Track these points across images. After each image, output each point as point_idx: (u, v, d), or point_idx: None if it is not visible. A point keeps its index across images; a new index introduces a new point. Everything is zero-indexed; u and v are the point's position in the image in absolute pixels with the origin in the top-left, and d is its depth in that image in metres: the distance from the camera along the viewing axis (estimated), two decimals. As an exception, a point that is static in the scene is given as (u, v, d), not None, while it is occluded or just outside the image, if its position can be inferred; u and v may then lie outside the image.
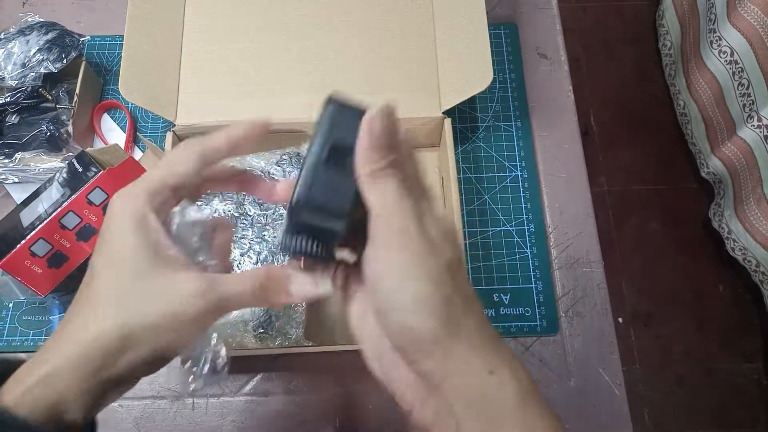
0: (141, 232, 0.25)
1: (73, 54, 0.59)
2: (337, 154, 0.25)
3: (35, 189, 0.51)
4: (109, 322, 0.24)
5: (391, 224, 0.24)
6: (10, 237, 0.48)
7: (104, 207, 0.49)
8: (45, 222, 0.47)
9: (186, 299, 0.25)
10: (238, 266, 0.51)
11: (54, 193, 0.49)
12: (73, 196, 0.48)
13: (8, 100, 0.58)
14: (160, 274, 0.25)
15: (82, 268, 0.49)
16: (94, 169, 0.50)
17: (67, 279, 0.49)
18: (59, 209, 0.48)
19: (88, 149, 0.53)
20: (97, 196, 0.49)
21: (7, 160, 0.57)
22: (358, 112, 0.25)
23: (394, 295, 0.24)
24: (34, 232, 0.47)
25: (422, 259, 0.24)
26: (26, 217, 0.49)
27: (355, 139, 0.25)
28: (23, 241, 0.47)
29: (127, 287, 0.25)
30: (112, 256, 0.26)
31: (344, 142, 0.25)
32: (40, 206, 0.49)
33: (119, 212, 0.26)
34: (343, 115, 0.25)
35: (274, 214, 0.53)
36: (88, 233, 0.49)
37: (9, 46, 0.58)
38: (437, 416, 0.25)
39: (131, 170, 0.51)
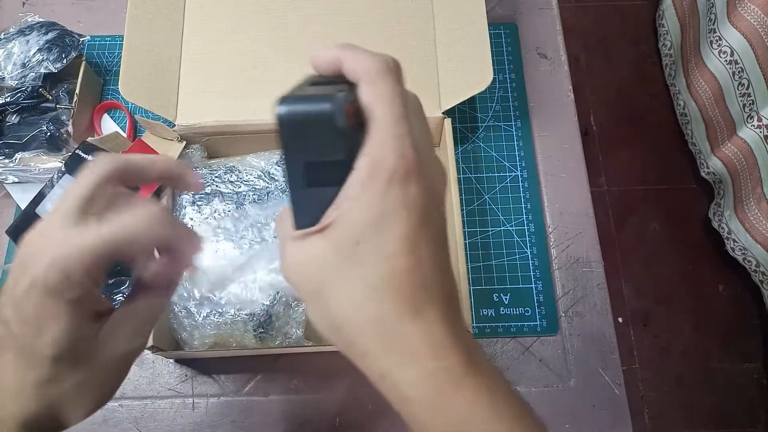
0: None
1: (73, 54, 0.59)
2: (317, 172, 0.22)
3: (37, 188, 0.51)
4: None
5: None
6: None
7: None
8: None
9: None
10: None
11: (65, 185, 0.50)
12: None
13: (8, 100, 0.58)
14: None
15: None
16: (100, 155, 0.50)
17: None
18: None
19: (89, 138, 0.53)
20: None
21: (7, 160, 0.57)
22: (322, 117, 0.20)
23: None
24: None
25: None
26: (44, 212, 0.49)
27: (332, 152, 0.21)
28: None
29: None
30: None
31: (319, 157, 0.21)
32: (55, 200, 0.49)
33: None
34: (304, 125, 0.21)
35: (274, 213, 0.53)
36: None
37: (9, 46, 0.58)
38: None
39: (142, 152, 0.52)
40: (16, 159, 0.57)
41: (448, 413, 0.22)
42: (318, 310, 0.23)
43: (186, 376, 0.54)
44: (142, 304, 0.30)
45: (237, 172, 0.54)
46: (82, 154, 0.51)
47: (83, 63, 0.60)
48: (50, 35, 0.58)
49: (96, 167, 0.27)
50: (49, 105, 0.60)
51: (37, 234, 0.26)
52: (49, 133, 0.57)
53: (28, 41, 0.58)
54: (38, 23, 0.60)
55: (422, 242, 0.22)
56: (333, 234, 0.22)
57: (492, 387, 0.23)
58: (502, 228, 0.59)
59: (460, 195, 0.59)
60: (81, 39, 0.60)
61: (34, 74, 0.57)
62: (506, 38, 0.67)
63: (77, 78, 0.60)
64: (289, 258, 0.23)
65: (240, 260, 0.51)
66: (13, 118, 0.59)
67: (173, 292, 0.32)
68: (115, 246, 0.25)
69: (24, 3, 0.69)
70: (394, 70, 0.24)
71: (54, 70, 0.58)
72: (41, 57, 0.57)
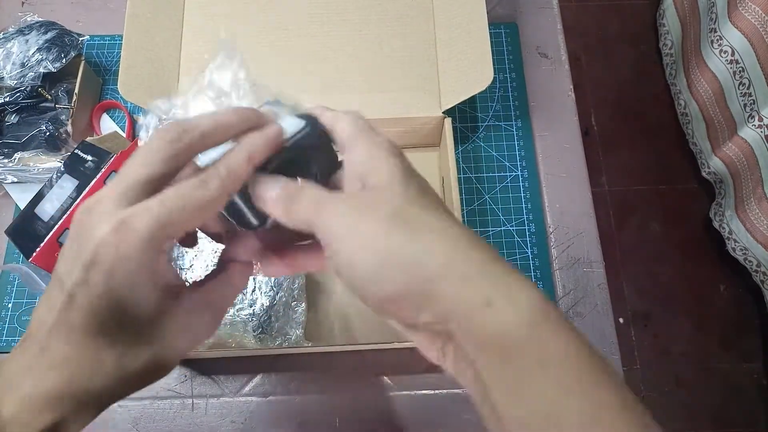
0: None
1: (72, 54, 0.59)
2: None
3: (36, 188, 0.51)
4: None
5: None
6: (33, 233, 0.48)
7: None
8: (69, 211, 0.48)
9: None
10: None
11: (64, 185, 0.49)
12: (92, 183, 0.49)
13: (7, 99, 0.58)
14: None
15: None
16: (99, 154, 0.50)
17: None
18: (81, 196, 0.48)
19: (88, 138, 0.53)
20: None
21: (6, 160, 0.57)
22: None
23: (352, 274, 0.23)
24: (60, 223, 0.47)
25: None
26: (43, 212, 0.49)
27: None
28: (51, 233, 0.47)
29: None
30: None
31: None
32: (54, 200, 0.49)
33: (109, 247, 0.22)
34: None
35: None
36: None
37: (8, 45, 0.57)
38: (456, 365, 0.24)
39: None
40: (15, 159, 0.57)
41: (560, 344, 0.21)
42: (395, 241, 0.22)
43: (185, 376, 0.54)
44: (219, 288, 0.27)
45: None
46: (81, 154, 0.51)
47: (82, 62, 0.60)
48: (49, 35, 0.58)
49: (162, 142, 0.24)
50: (48, 105, 0.60)
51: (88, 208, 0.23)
52: (48, 133, 0.57)
53: (27, 41, 0.58)
54: (37, 23, 0.60)
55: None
56: (380, 177, 0.25)
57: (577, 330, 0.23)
58: (502, 228, 0.59)
59: (460, 195, 0.59)
60: (80, 38, 0.60)
61: (33, 74, 0.57)
62: (506, 38, 0.67)
63: (76, 77, 0.60)
64: (336, 209, 0.24)
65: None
66: (12, 118, 0.59)
67: (250, 275, 0.28)
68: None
69: (23, 2, 0.69)
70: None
71: (53, 70, 0.57)
72: (40, 56, 0.57)
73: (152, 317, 0.24)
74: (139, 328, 0.23)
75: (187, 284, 0.26)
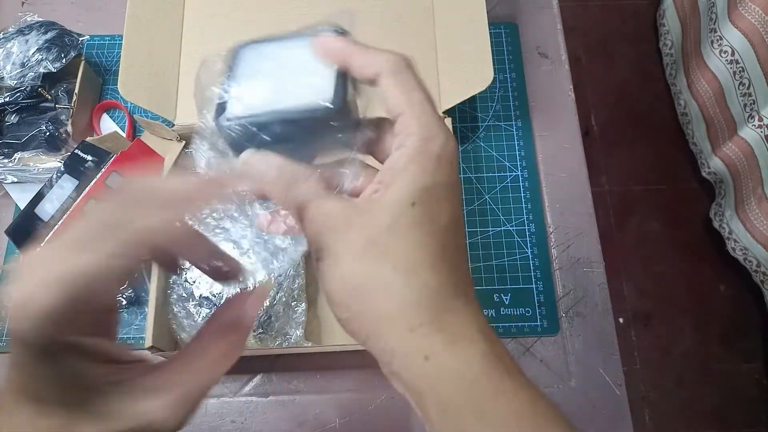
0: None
1: (73, 54, 0.59)
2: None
3: (36, 188, 0.51)
4: None
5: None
6: (33, 233, 0.48)
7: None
8: (69, 211, 0.48)
9: None
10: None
11: (64, 185, 0.50)
12: (91, 184, 0.49)
13: (7, 99, 0.58)
14: None
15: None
16: (99, 154, 0.50)
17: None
18: (81, 197, 0.48)
19: (88, 138, 0.53)
20: (114, 181, 0.50)
21: (6, 160, 0.57)
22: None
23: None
24: (60, 223, 0.48)
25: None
26: (43, 212, 0.49)
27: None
28: (51, 234, 0.47)
29: None
30: None
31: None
32: (54, 200, 0.49)
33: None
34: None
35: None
36: (111, 219, 0.50)
37: (8, 45, 0.57)
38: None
39: (142, 152, 0.52)
40: (15, 159, 0.57)
41: (501, 400, 0.21)
42: (361, 268, 0.22)
43: (185, 376, 0.54)
44: (188, 371, 0.23)
45: (236, 172, 0.54)
46: (81, 154, 0.51)
47: (82, 62, 0.60)
48: (49, 35, 0.58)
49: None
50: (48, 105, 0.60)
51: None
52: (48, 133, 0.57)
53: (27, 41, 0.58)
54: (37, 23, 0.60)
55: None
56: (386, 194, 0.22)
57: (530, 384, 0.22)
58: (502, 228, 0.59)
59: (461, 195, 0.59)
60: (80, 38, 0.60)
61: (33, 74, 0.57)
62: (507, 38, 0.67)
63: (76, 77, 0.60)
64: (327, 213, 0.22)
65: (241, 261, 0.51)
66: (12, 118, 0.59)
67: (238, 354, 0.24)
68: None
69: (23, 2, 0.69)
70: (412, 65, 0.24)
71: (53, 70, 0.57)
72: (40, 56, 0.57)
73: (87, 392, 0.20)
74: (75, 401, 0.20)
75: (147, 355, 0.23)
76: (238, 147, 0.24)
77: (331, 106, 0.23)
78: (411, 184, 0.22)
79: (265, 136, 0.24)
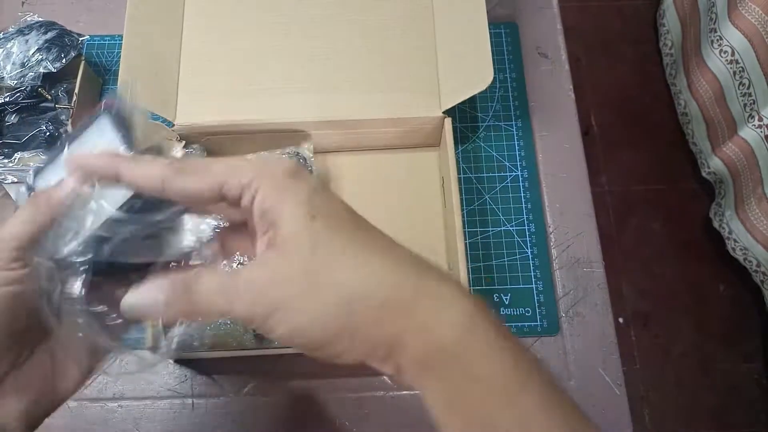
0: None
1: (73, 53, 0.59)
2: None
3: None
4: None
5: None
6: None
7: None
8: None
9: None
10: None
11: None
12: None
13: (7, 99, 0.58)
14: None
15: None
16: None
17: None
18: None
19: None
20: None
21: (6, 160, 0.57)
22: None
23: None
24: None
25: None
26: None
27: None
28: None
29: None
30: None
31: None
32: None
33: None
34: None
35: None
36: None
37: (8, 45, 0.57)
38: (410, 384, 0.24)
39: None
40: (15, 159, 0.57)
41: (480, 358, 0.22)
42: (319, 300, 0.22)
43: (185, 376, 0.54)
44: (38, 375, 0.26)
45: (237, 172, 0.54)
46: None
47: (82, 62, 0.60)
48: (49, 35, 0.58)
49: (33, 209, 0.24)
50: (48, 105, 0.60)
51: None
52: (48, 133, 0.57)
53: (27, 41, 0.58)
54: (37, 23, 0.60)
55: (353, 209, 0.25)
56: (282, 233, 0.22)
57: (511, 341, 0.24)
58: (502, 228, 0.59)
59: (461, 195, 0.59)
60: (80, 38, 0.60)
61: (33, 74, 0.57)
62: (506, 38, 0.67)
63: (76, 77, 0.60)
64: (247, 280, 0.22)
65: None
66: (12, 118, 0.59)
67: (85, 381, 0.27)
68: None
69: (23, 2, 0.69)
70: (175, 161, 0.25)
71: (53, 70, 0.57)
72: (40, 56, 0.57)
73: None
74: None
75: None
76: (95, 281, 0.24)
77: (123, 211, 0.23)
78: (294, 206, 0.22)
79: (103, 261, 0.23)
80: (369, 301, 0.22)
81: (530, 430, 0.22)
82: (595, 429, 0.23)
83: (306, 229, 0.22)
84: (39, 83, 0.58)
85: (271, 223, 0.23)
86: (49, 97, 0.60)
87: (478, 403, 0.22)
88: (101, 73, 0.66)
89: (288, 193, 0.22)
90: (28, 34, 0.58)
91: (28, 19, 0.60)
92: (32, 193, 0.25)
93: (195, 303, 0.22)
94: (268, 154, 0.55)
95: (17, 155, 0.57)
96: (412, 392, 0.53)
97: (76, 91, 0.59)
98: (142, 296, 0.23)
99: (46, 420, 0.27)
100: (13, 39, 0.58)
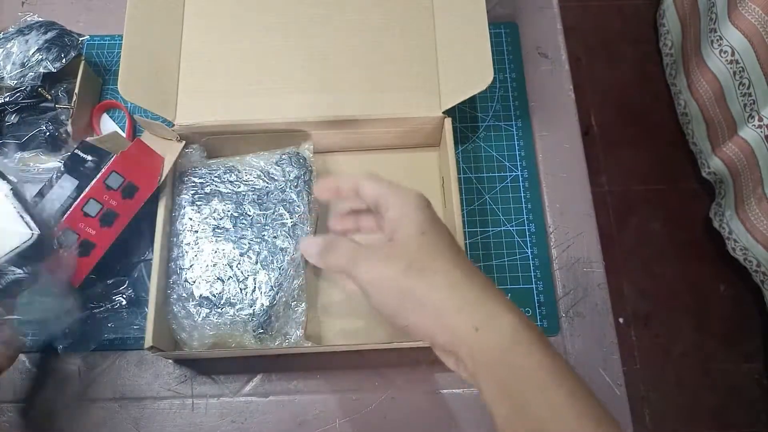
0: None
1: (73, 54, 0.59)
2: None
3: (36, 188, 0.51)
4: None
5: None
6: None
7: (123, 190, 0.50)
8: (69, 211, 0.48)
9: None
10: (238, 266, 0.51)
11: (64, 185, 0.50)
12: (92, 183, 0.49)
13: (7, 99, 0.58)
14: None
15: (107, 255, 0.49)
16: (99, 154, 0.50)
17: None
18: (80, 197, 0.48)
19: (88, 138, 0.53)
20: (114, 181, 0.50)
21: (6, 160, 0.57)
22: None
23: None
24: (59, 224, 0.48)
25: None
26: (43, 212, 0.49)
27: None
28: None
29: None
30: None
31: None
32: (54, 200, 0.49)
33: None
34: None
35: (273, 213, 0.53)
36: (110, 218, 0.50)
37: (8, 45, 0.57)
38: (465, 375, 0.32)
39: (142, 152, 0.52)
40: (15, 159, 0.57)
41: (523, 358, 0.30)
42: (409, 280, 0.31)
43: (185, 376, 0.54)
44: None
45: (236, 172, 0.54)
46: (82, 154, 0.51)
47: (82, 62, 0.60)
48: (49, 35, 0.58)
49: None
50: (48, 105, 0.60)
51: None
52: (48, 133, 0.57)
53: (27, 41, 0.58)
54: (37, 23, 0.60)
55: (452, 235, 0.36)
56: (401, 235, 0.33)
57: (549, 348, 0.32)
58: (502, 228, 0.59)
59: (460, 195, 0.59)
60: (80, 38, 0.60)
61: (33, 74, 0.57)
62: (506, 37, 0.67)
63: (76, 77, 0.60)
64: (373, 275, 0.33)
65: (239, 260, 0.51)
66: (12, 118, 0.59)
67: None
68: None
69: (23, 2, 0.69)
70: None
71: (53, 70, 0.57)
72: (40, 56, 0.57)
73: None
74: None
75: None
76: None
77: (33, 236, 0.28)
78: (414, 223, 0.33)
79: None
80: (437, 298, 0.32)
81: (560, 415, 0.28)
82: (616, 423, 0.29)
83: (416, 237, 0.33)
84: (39, 83, 0.58)
85: (394, 229, 0.33)
86: (49, 97, 0.60)
87: (519, 394, 0.29)
88: (101, 73, 0.66)
89: (412, 214, 0.34)
90: (28, 34, 0.58)
91: (28, 19, 0.60)
92: None
93: (332, 257, 0.34)
94: (268, 153, 0.55)
95: (17, 155, 0.57)
96: (411, 393, 0.53)
97: (76, 91, 0.59)
98: (306, 243, 0.36)
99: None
100: (13, 39, 0.58)
